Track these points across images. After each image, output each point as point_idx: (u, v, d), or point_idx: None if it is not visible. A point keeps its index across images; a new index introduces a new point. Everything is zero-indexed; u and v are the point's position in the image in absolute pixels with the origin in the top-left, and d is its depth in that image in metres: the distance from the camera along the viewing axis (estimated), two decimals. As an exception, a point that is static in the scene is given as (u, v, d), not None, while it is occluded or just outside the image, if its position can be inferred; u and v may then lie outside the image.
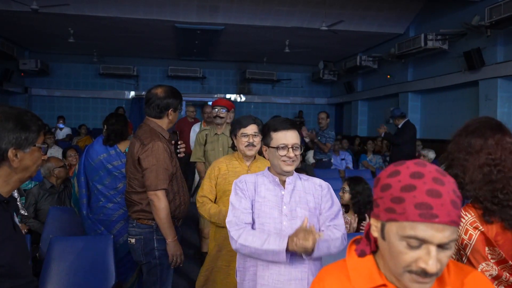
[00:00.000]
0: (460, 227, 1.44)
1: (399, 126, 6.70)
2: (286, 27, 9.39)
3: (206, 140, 4.14)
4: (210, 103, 6.75)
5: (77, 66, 13.78)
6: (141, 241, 2.56)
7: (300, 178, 2.10)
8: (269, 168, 2.13)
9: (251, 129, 2.84)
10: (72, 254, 2.79)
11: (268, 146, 2.08)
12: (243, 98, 14.75)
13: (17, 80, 12.39)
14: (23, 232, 3.54)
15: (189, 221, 5.76)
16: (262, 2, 8.55)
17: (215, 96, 14.14)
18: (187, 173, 5.79)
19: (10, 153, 1.42)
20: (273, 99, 14.84)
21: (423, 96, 10.05)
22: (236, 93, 14.71)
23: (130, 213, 2.62)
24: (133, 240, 2.58)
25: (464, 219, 1.46)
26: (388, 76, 11.05)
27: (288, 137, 2.03)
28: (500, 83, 7.35)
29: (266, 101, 14.80)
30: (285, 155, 2.01)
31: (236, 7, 8.71)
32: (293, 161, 2.02)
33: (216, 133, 4.12)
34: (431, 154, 6.27)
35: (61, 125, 10.68)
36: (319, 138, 6.55)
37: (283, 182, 2.05)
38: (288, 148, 2.01)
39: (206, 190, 2.86)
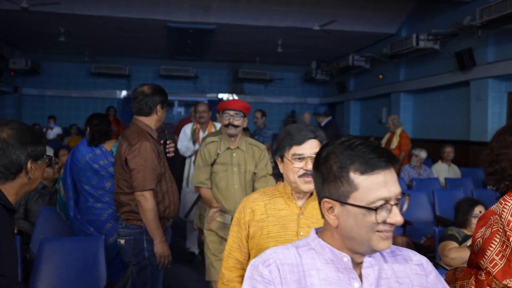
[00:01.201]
0: (506, 210, 1.52)
1: (322, 124, 6.68)
2: (279, 26, 9.39)
3: (215, 158, 3.05)
4: (206, 101, 6.43)
5: (68, 66, 13.68)
6: (130, 242, 2.54)
7: (384, 257, 1.15)
8: (321, 232, 1.15)
9: (311, 147, 1.71)
10: (63, 255, 2.77)
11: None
12: (236, 98, 14.73)
13: (7, 80, 12.26)
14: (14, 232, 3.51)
15: (179, 221, 5.74)
16: (255, 1, 8.55)
17: (208, 96, 14.12)
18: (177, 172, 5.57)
19: (29, 165, 1.49)
20: (266, 99, 14.83)
21: (415, 96, 10.10)
22: (229, 93, 14.69)
23: (119, 214, 2.60)
24: (122, 241, 2.56)
25: (510, 202, 1.54)
26: (380, 76, 11.09)
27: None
28: (491, 83, 7.40)
29: (258, 101, 14.77)
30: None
31: (229, 6, 8.70)
32: None
33: (228, 148, 3.04)
34: (423, 154, 6.30)
35: (52, 125, 10.60)
36: (256, 138, 6.05)
37: (355, 265, 1.10)
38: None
39: (232, 245, 1.81)
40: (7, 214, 1.46)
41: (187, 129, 5.03)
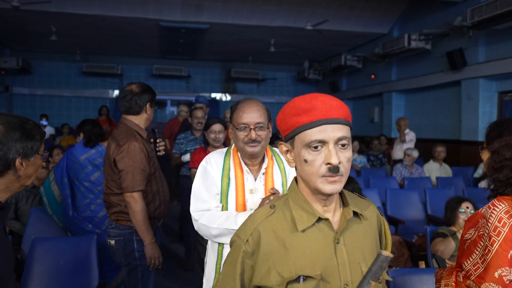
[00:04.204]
0: (494, 215, 1.52)
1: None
2: (272, 26, 9.40)
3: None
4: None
5: (59, 65, 13.58)
6: (120, 243, 2.51)
7: None
8: None
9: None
10: (54, 255, 2.75)
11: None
12: (228, 97, 14.72)
13: (-3, 79, 12.17)
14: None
15: (171, 219, 5.73)
16: (247, 1, 8.54)
17: (200, 95, 14.09)
18: (167, 173, 5.29)
19: (18, 163, 1.43)
20: (258, 98, 14.73)
21: (406, 96, 10.16)
22: (221, 92, 14.68)
23: (109, 215, 2.58)
24: (112, 242, 2.54)
25: (498, 208, 1.53)
26: (372, 76, 11.14)
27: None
28: (482, 83, 7.47)
29: (251, 100, 14.78)
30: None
31: (221, 5, 8.69)
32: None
33: (321, 219, 1.16)
34: (415, 153, 6.34)
35: (44, 122, 10.51)
36: None
37: None
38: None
39: None
40: None
41: (214, 161, 2.03)
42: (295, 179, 1.20)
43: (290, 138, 1.14)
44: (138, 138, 2.49)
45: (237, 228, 1.55)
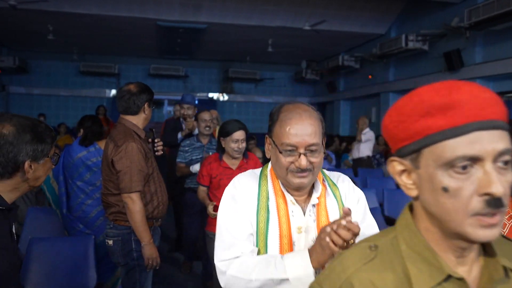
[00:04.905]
0: None
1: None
2: (270, 26, 9.40)
3: None
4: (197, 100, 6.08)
5: (56, 64, 13.56)
6: (118, 243, 2.51)
7: None
8: None
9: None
10: (52, 255, 2.74)
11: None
12: (226, 97, 14.73)
13: (-6, 78, 12.14)
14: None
15: (169, 221, 5.72)
16: (245, 1, 8.55)
17: (198, 95, 14.09)
18: (164, 173, 5.15)
19: (26, 165, 1.42)
20: (256, 98, 14.85)
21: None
22: (219, 92, 14.69)
23: (107, 215, 2.57)
24: (110, 242, 2.53)
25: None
26: (370, 76, 11.16)
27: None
28: (479, 83, 7.47)
29: (249, 100, 14.80)
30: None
31: (220, 5, 8.69)
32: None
33: None
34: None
35: (40, 124, 10.52)
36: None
37: None
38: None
39: None
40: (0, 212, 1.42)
41: (244, 198, 1.46)
42: (409, 208, 0.82)
43: (412, 152, 0.73)
44: (136, 139, 2.48)
45: (287, 276, 1.21)
